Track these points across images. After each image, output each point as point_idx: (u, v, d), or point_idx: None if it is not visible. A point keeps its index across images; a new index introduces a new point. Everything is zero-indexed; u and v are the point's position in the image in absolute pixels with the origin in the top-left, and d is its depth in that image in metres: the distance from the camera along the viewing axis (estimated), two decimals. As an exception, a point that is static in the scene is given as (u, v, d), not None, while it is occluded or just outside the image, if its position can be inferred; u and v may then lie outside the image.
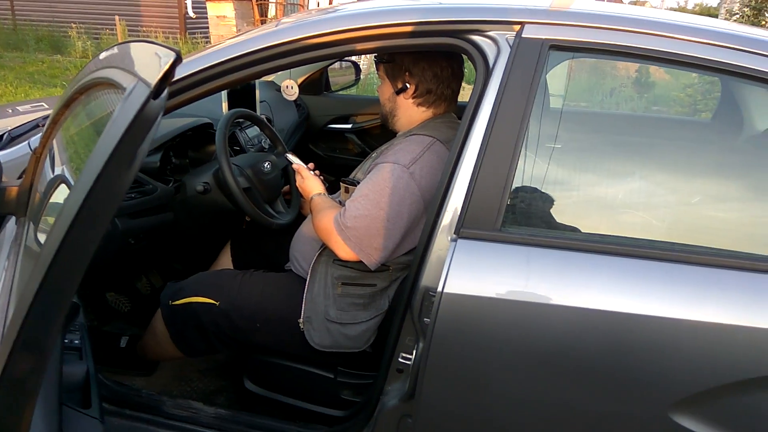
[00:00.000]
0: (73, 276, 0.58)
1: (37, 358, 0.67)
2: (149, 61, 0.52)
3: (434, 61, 1.51)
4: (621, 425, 1.17)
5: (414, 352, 1.28)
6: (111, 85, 0.61)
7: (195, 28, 11.37)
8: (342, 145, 3.08)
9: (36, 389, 0.68)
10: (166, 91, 0.50)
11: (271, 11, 10.11)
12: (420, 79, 1.52)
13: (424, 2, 1.40)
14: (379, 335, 1.52)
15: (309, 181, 1.63)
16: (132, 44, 0.63)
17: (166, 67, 0.47)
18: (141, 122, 0.47)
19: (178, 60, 0.49)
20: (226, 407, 1.56)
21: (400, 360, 1.31)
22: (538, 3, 1.32)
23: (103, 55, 0.79)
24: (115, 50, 0.72)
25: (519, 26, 1.20)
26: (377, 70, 1.61)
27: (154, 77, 0.47)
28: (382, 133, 2.91)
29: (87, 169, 0.48)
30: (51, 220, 0.93)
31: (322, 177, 1.71)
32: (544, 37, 1.18)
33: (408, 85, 1.53)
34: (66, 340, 1.16)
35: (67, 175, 0.98)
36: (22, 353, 0.64)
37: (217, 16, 9.11)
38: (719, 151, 1.41)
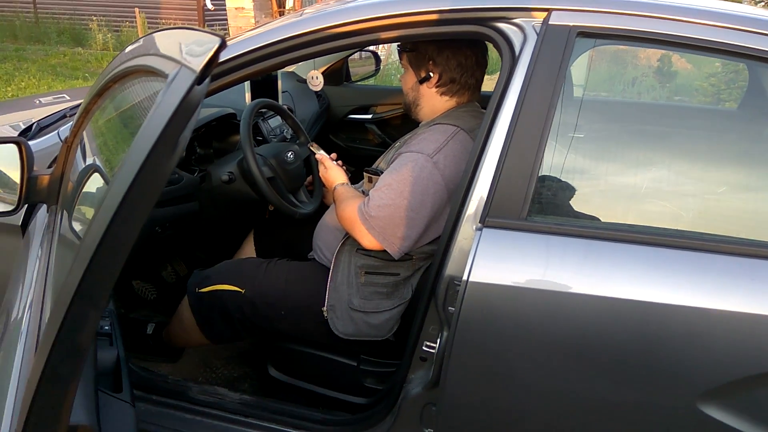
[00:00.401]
0: (114, 268, 0.59)
1: (78, 349, 0.68)
2: (192, 48, 0.52)
3: (458, 49, 1.50)
4: (648, 416, 1.17)
5: (438, 340, 1.28)
6: (150, 72, 0.62)
7: (213, 20, 11.41)
8: (362, 136, 3.08)
9: (77, 377, 0.70)
10: (208, 78, 0.51)
11: (289, 2, 10.10)
12: (444, 68, 1.51)
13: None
14: (402, 324, 1.53)
15: (332, 171, 1.63)
16: (171, 31, 0.64)
17: (212, 52, 0.48)
18: (185, 108, 0.47)
19: (223, 45, 0.49)
20: (251, 393, 1.59)
21: (424, 348, 1.31)
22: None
23: (135, 45, 0.80)
24: (152, 38, 0.72)
25: (546, 13, 1.19)
26: (400, 59, 1.61)
27: (198, 63, 0.48)
28: (402, 123, 2.90)
29: (130, 157, 0.48)
30: (84, 209, 0.95)
31: (344, 167, 1.71)
32: (571, 24, 1.17)
33: (432, 74, 1.52)
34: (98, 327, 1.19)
35: (99, 163, 1.00)
36: (63, 345, 0.66)
37: (236, 8, 9.14)
38: (746, 140, 1.39)
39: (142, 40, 0.76)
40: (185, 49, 0.53)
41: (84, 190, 0.97)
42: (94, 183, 0.93)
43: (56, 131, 1.54)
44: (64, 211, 1.08)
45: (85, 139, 1.15)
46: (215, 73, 1.31)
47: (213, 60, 0.48)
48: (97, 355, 1.06)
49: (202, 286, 1.63)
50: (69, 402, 0.70)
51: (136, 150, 0.48)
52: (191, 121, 0.50)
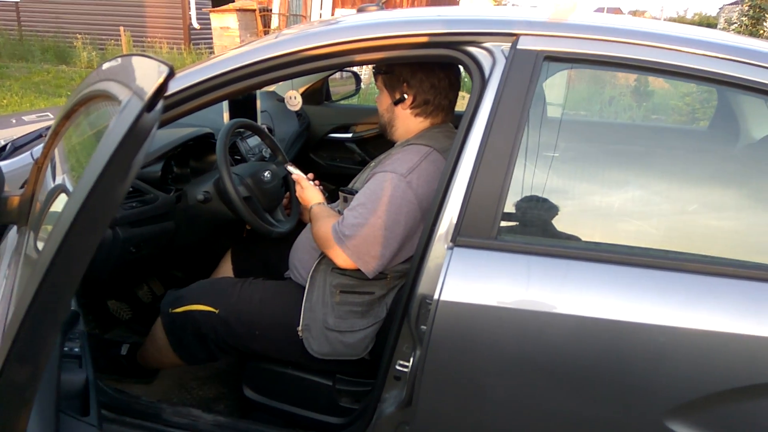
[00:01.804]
0: (68, 284, 0.59)
1: (33, 366, 0.67)
2: (144, 75, 0.53)
3: (432, 71, 1.52)
4: (617, 432, 1.18)
5: (411, 359, 1.28)
6: (108, 97, 0.63)
7: (199, 39, 11.47)
8: (342, 154, 3.10)
9: (32, 397, 0.69)
10: (160, 104, 0.51)
11: (274, 22, 10.18)
12: (418, 89, 1.53)
13: (422, 14, 1.42)
14: (378, 343, 1.53)
15: (308, 191, 1.64)
16: (128, 58, 0.65)
17: (160, 81, 0.49)
18: (135, 135, 0.48)
19: (171, 74, 0.50)
20: (226, 415, 1.57)
21: (398, 367, 1.32)
22: (535, 15, 1.34)
23: (102, 68, 0.81)
24: (114, 63, 0.73)
25: (514, 38, 1.22)
26: (375, 81, 1.63)
27: (147, 91, 0.49)
28: (382, 143, 2.91)
29: (83, 180, 0.49)
30: (50, 228, 0.94)
31: (321, 187, 1.72)
32: (539, 48, 1.20)
33: (406, 96, 1.54)
34: (66, 348, 1.17)
35: (68, 184, 0.99)
36: (18, 361, 0.65)
37: (221, 27, 9.19)
38: (715, 160, 1.42)
39: (106, 63, 0.78)
40: (136, 76, 0.55)
41: (50, 210, 0.97)
42: (61, 203, 0.93)
43: (30, 151, 1.53)
44: (32, 232, 1.07)
45: (56, 160, 1.14)
46: (191, 93, 1.32)
47: (161, 89, 0.49)
48: (63, 378, 1.05)
49: (176, 306, 1.62)
50: (24, 421, 0.69)
51: (88, 173, 0.48)
52: (143, 147, 0.51)
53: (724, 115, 1.79)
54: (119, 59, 0.71)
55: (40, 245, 0.90)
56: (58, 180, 1.06)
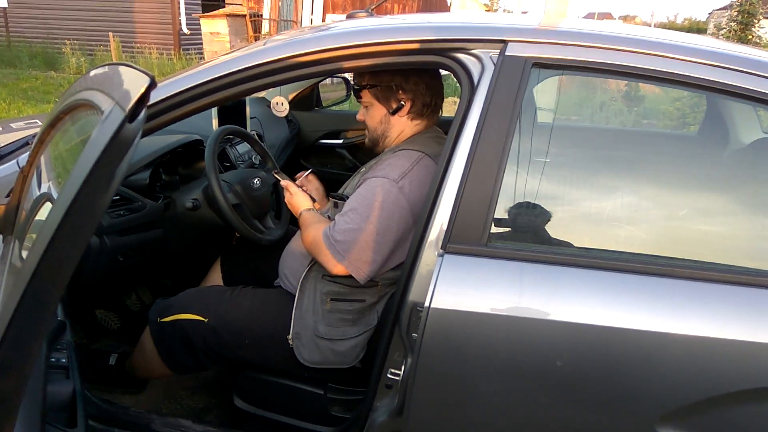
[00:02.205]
0: (53, 292, 0.58)
1: (17, 376, 0.66)
2: (127, 85, 0.53)
3: (423, 72, 1.52)
4: (609, 439, 1.18)
5: (402, 367, 1.28)
6: (92, 107, 0.62)
7: (189, 44, 11.43)
8: (333, 160, 3.09)
9: (16, 408, 0.68)
10: (143, 114, 0.51)
11: (265, 27, 10.18)
12: (415, 93, 1.52)
13: (412, 21, 1.43)
14: (369, 351, 1.52)
15: (297, 197, 1.63)
16: (112, 67, 0.64)
17: (141, 91, 0.48)
18: (117, 145, 0.48)
19: (152, 85, 0.50)
20: (216, 425, 1.55)
21: (389, 376, 1.31)
22: (524, 21, 1.34)
23: (89, 76, 0.80)
24: (98, 72, 0.73)
25: (503, 44, 1.22)
26: (359, 98, 1.59)
27: (129, 101, 0.48)
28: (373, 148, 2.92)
29: (66, 189, 0.49)
30: (35, 237, 0.93)
31: (319, 185, 1.72)
32: (527, 55, 1.20)
33: (403, 103, 1.53)
34: (53, 359, 1.16)
35: (53, 193, 0.98)
36: (1, 371, 0.64)
37: (211, 33, 9.17)
38: (705, 165, 1.43)
39: (91, 72, 0.77)
40: (119, 86, 0.54)
41: (36, 218, 0.96)
42: (46, 212, 0.92)
43: (16, 159, 1.51)
44: (17, 241, 1.06)
45: (42, 168, 1.13)
46: (179, 101, 1.32)
47: (142, 99, 0.49)
48: (49, 389, 1.03)
49: (164, 315, 1.60)
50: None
51: (71, 183, 0.48)
52: (126, 157, 0.50)
53: (714, 120, 1.80)
54: (105, 68, 0.70)
55: (26, 254, 0.89)
56: (44, 188, 1.05)
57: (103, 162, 0.47)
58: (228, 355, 1.58)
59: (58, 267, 0.54)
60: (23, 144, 1.71)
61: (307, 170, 1.77)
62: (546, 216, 1.28)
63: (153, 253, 1.85)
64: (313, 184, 1.77)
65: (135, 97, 0.48)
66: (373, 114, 1.58)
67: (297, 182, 1.69)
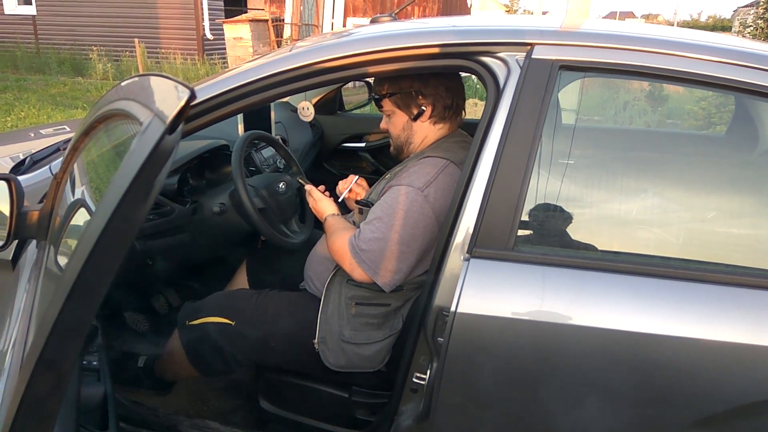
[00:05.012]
0: (92, 301, 0.60)
1: (56, 381, 0.68)
2: (165, 97, 0.54)
3: (442, 75, 1.52)
4: (638, 447, 1.16)
5: (428, 371, 1.27)
6: (128, 117, 0.63)
7: (212, 50, 11.58)
8: (356, 164, 3.10)
9: (55, 411, 0.69)
10: (181, 126, 0.52)
11: (287, 32, 10.25)
12: (435, 97, 1.52)
13: (436, 25, 1.42)
14: (394, 354, 1.52)
15: (321, 203, 1.64)
16: (149, 78, 0.66)
17: (182, 104, 0.49)
18: (157, 156, 0.49)
19: (192, 97, 0.51)
20: (242, 426, 1.57)
21: (415, 380, 1.31)
22: (548, 24, 1.33)
23: (122, 86, 0.82)
24: (134, 82, 0.74)
25: (529, 47, 1.21)
26: (380, 107, 1.59)
27: (169, 113, 0.49)
28: (398, 156, 2.92)
29: (106, 200, 0.50)
30: (71, 242, 0.95)
31: (332, 197, 1.72)
32: (554, 57, 1.19)
33: (424, 108, 1.53)
34: (84, 362, 1.18)
35: (87, 199, 1.00)
36: (42, 376, 0.66)
37: (234, 38, 9.25)
38: (734, 166, 1.41)
39: (126, 81, 0.78)
40: (158, 98, 0.55)
41: (71, 224, 0.98)
42: (81, 218, 0.94)
43: (48, 165, 1.55)
44: (51, 246, 1.09)
45: (75, 175, 1.16)
46: (207, 107, 1.33)
47: (182, 111, 0.50)
48: (83, 392, 1.05)
49: (192, 318, 1.62)
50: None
51: (110, 194, 0.49)
52: (165, 167, 0.52)
53: (743, 120, 1.76)
54: (140, 78, 0.72)
55: (61, 259, 0.91)
56: (78, 194, 1.08)
57: (144, 173, 0.48)
58: (254, 358, 1.59)
59: (98, 277, 0.55)
60: (55, 150, 1.75)
61: (355, 177, 1.76)
62: (573, 219, 1.26)
63: (181, 256, 1.88)
64: (366, 189, 1.75)
65: (176, 108, 0.49)
66: (395, 122, 1.58)
67: (347, 190, 1.69)
